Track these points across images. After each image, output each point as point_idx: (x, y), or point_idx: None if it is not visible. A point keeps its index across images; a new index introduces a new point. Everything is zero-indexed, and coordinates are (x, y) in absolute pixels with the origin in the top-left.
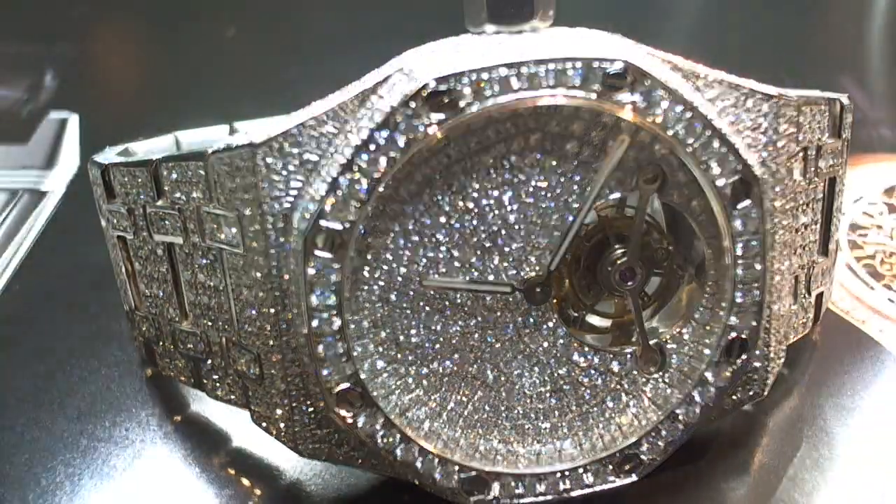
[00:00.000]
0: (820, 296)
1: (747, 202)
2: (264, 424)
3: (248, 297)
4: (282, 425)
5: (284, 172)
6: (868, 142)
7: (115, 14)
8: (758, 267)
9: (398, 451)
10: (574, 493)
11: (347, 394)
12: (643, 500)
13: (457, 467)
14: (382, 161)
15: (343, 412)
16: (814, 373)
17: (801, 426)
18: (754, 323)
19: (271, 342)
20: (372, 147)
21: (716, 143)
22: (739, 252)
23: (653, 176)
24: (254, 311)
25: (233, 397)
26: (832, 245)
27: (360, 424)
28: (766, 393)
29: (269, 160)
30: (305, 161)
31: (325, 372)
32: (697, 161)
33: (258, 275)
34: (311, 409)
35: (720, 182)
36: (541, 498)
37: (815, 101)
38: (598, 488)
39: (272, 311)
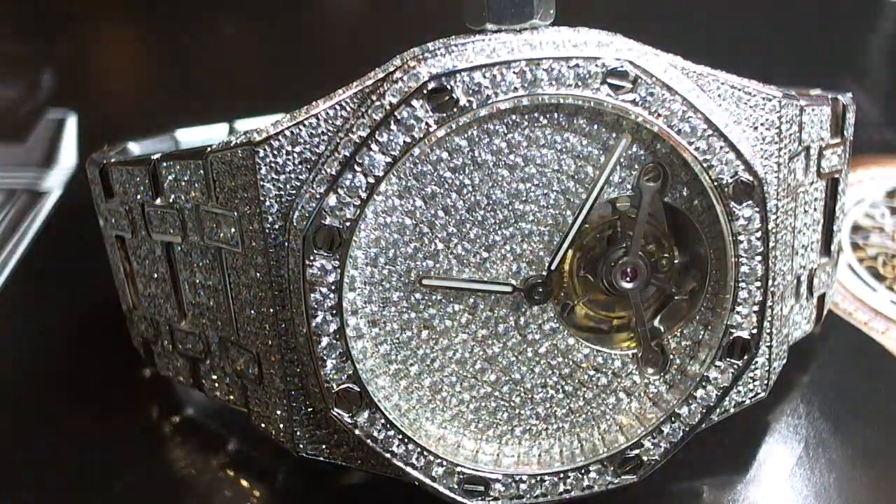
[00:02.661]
0: (822, 297)
1: (749, 202)
2: (263, 425)
3: (246, 296)
4: (281, 425)
5: (284, 171)
6: (870, 144)
7: (113, 13)
8: (759, 267)
9: (398, 452)
10: (574, 494)
11: (347, 394)
12: (643, 500)
13: (458, 468)
14: (382, 160)
15: (343, 412)
16: (816, 373)
17: (802, 427)
18: (756, 323)
19: (270, 342)
20: (372, 145)
21: (718, 143)
22: (741, 252)
23: (654, 174)
24: (253, 311)
25: (231, 397)
26: (834, 246)
27: (359, 424)
28: (767, 393)
29: (268, 159)
30: (305, 159)
31: (324, 372)
32: (699, 160)
33: (257, 274)
34: (310, 409)
35: (722, 181)
36: (541, 499)
37: (818, 101)
38: (598, 489)
39: (271, 310)
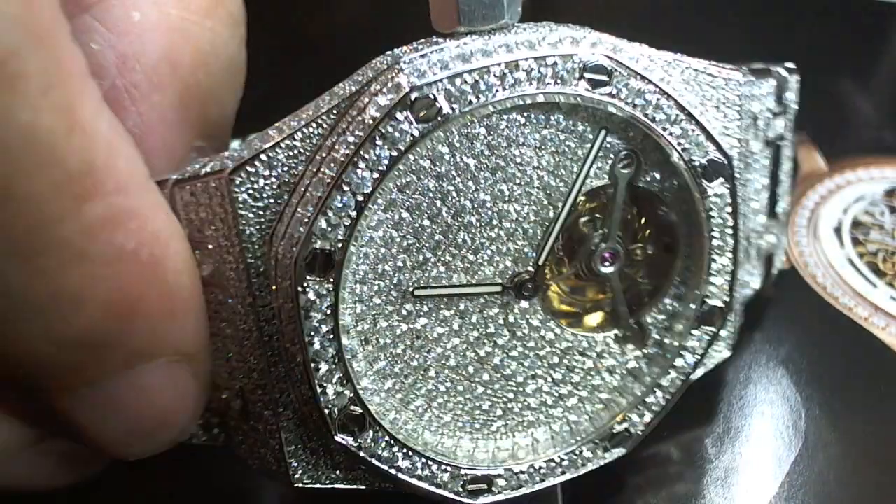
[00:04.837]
0: (770, 257)
1: (720, 179)
2: (251, 460)
3: (226, 332)
4: (272, 459)
5: (262, 197)
6: (870, 144)
7: None
8: (730, 239)
9: (404, 466)
10: (571, 475)
11: (350, 417)
12: (631, 468)
13: (462, 471)
14: (369, 176)
15: (347, 437)
16: (815, 369)
17: (801, 424)
18: (728, 291)
19: (256, 375)
20: (358, 163)
21: (690, 127)
22: (714, 227)
23: (627, 161)
24: (235, 347)
25: (206, 439)
26: (779, 208)
27: (364, 446)
28: (732, 352)
29: (246, 185)
30: (283, 182)
31: (325, 399)
32: (674, 145)
33: (239, 307)
34: (305, 438)
35: (695, 163)
36: (541, 485)
37: (763, 74)
38: (592, 466)
39: (256, 343)
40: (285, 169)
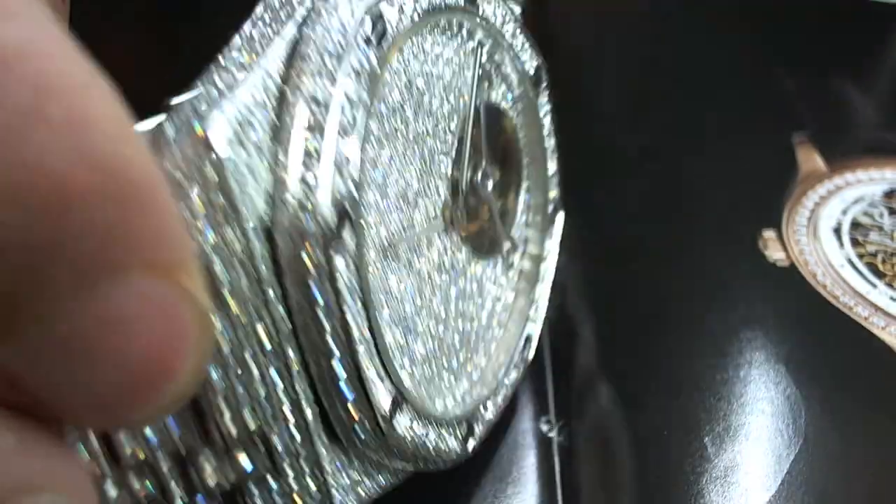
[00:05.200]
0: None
1: (543, 85)
2: None
3: (232, 355)
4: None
5: (243, 155)
6: (869, 145)
7: (111, 13)
8: (553, 140)
9: (431, 440)
10: (509, 394)
11: (394, 402)
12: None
13: (455, 427)
14: (360, 117)
15: (399, 426)
16: (815, 369)
17: (801, 423)
18: (558, 189)
19: (281, 396)
20: (345, 104)
21: (522, 39)
22: (546, 128)
23: (480, 78)
24: (246, 374)
25: None
26: None
27: (406, 427)
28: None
29: (231, 145)
30: (254, 133)
31: (373, 389)
32: (519, 59)
33: (244, 305)
34: (337, 455)
35: (530, 71)
36: (497, 415)
37: None
38: (517, 382)
39: (267, 356)
40: (254, 117)
